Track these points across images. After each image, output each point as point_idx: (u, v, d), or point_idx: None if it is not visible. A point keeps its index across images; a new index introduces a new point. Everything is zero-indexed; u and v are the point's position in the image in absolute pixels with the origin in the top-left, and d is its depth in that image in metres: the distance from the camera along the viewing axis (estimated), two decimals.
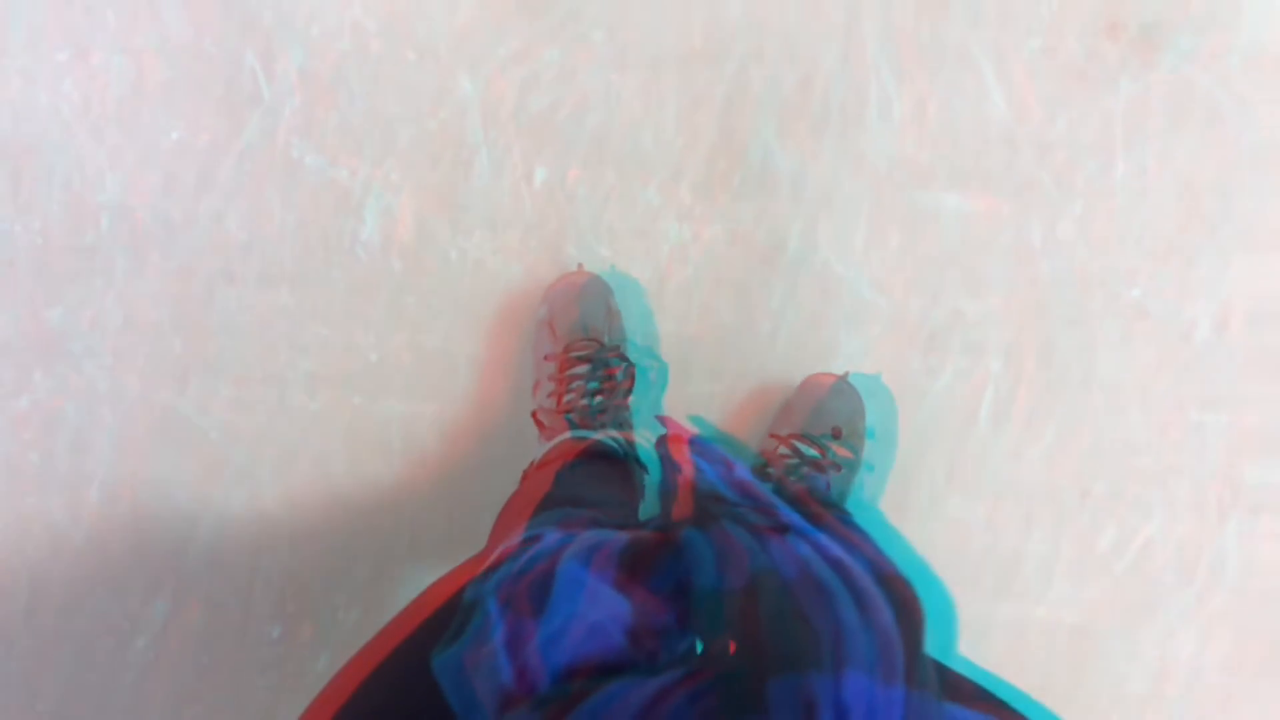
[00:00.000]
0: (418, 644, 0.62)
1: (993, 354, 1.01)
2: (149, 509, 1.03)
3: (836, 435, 0.93)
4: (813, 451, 0.91)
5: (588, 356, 0.92)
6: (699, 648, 0.65)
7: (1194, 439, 1.01)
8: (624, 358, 0.94)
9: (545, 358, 0.94)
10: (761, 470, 0.93)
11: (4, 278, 1.02)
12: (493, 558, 0.65)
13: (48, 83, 1.01)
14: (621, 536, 0.63)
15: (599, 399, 0.91)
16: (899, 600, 0.52)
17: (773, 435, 0.95)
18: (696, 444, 0.74)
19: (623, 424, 0.93)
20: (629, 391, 0.94)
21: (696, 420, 1.01)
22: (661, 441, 0.76)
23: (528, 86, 1.00)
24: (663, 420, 0.78)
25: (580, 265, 1.00)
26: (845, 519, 0.67)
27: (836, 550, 0.56)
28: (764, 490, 0.66)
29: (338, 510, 1.02)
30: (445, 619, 0.59)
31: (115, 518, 1.04)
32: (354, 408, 1.02)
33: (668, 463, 0.72)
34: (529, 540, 0.65)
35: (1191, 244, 1.01)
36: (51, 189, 1.02)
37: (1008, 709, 0.55)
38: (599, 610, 0.55)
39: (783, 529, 0.58)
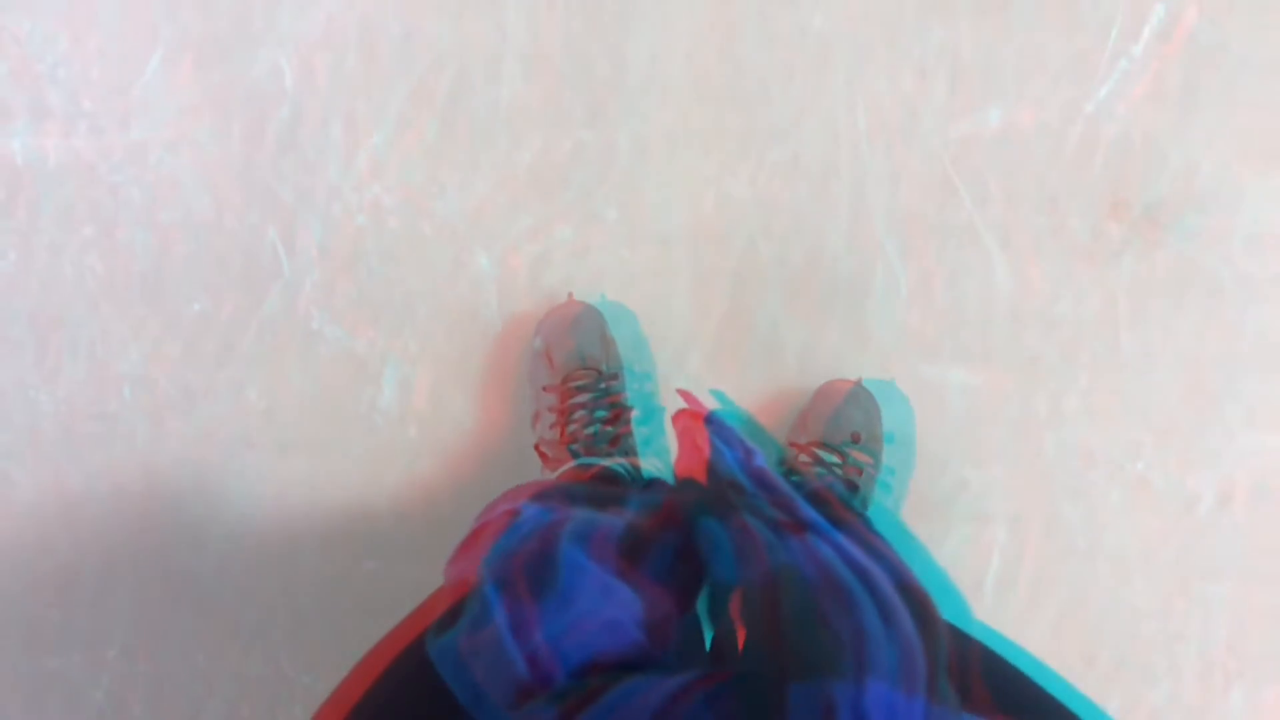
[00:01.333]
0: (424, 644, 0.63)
1: (998, 523, 1.03)
2: (166, 669, 1.05)
3: (856, 440, 0.94)
4: (834, 458, 0.92)
5: (589, 386, 0.92)
6: (707, 635, 0.63)
7: (1199, 608, 1.02)
8: (623, 384, 0.95)
9: (544, 389, 0.95)
10: (787, 476, 0.91)
11: (28, 443, 1.05)
12: (472, 530, 0.65)
13: (74, 256, 1.03)
14: (616, 521, 0.63)
15: (607, 428, 0.91)
16: (919, 612, 0.52)
17: (792, 444, 0.96)
18: (714, 422, 0.74)
19: (628, 451, 0.92)
20: (636, 420, 0.94)
21: (718, 395, 0.99)
22: (680, 417, 0.75)
23: (542, 262, 1.03)
24: (682, 394, 0.78)
25: (570, 295, 1.00)
26: (867, 523, 0.67)
27: (860, 556, 0.55)
28: (782, 483, 0.65)
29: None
30: (418, 663, 0.58)
31: (134, 677, 1.06)
32: (367, 573, 1.04)
33: (684, 438, 0.71)
34: (509, 513, 0.64)
35: (1196, 419, 1.02)
36: (76, 358, 1.04)
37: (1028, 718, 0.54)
38: (613, 606, 0.54)
39: (802, 527, 0.57)
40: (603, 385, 0.93)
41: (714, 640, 0.62)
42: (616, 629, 0.53)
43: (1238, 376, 1.02)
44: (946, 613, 0.54)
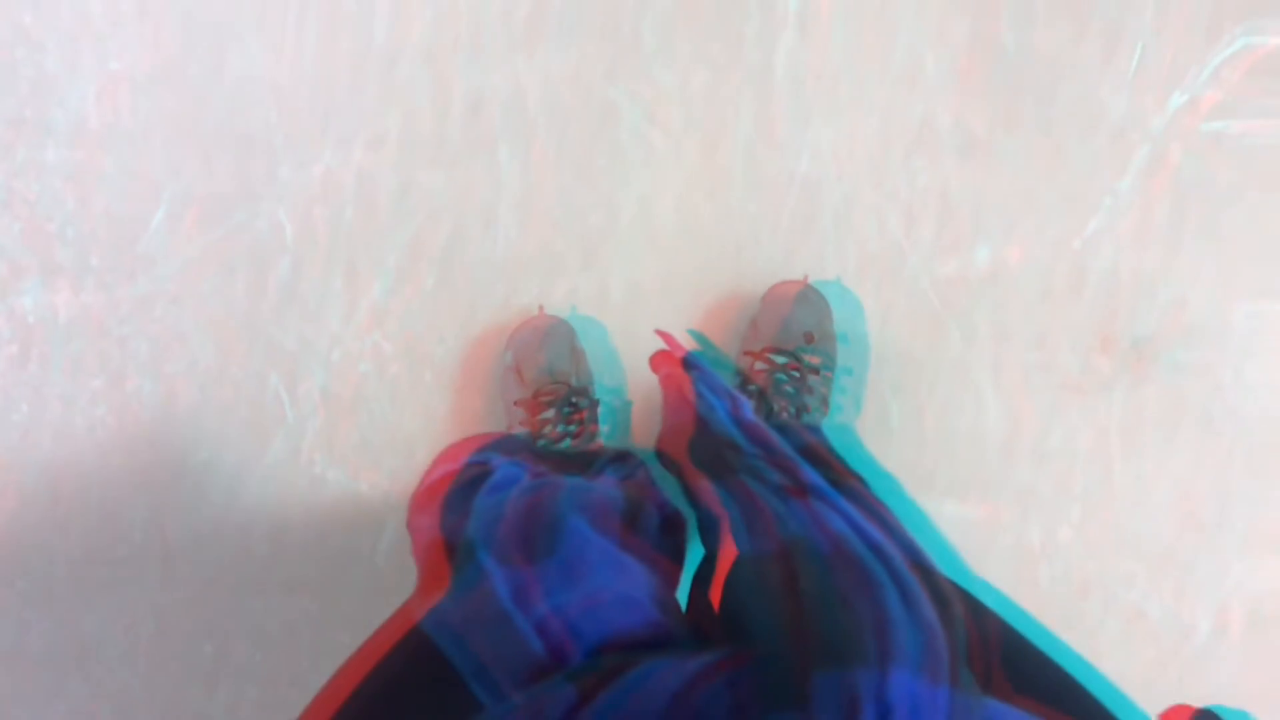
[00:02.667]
0: (382, 678, 0.60)
1: None
2: None
3: (809, 341, 0.93)
4: (788, 360, 0.92)
5: (557, 399, 0.93)
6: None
7: None
8: (591, 397, 0.96)
9: (515, 403, 0.96)
10: (743, 387, 0.92)
11: (41, 588, 1.07)
12: (431, 479, 0.64)
13: (84, 408, 1.06)
14: (613, 491, 0.62)
15: (576, 441, 0.91)
16: (939, 597, 0.51)
17: (746, 353, 0.96)
18: (695, 367, 0.73)
19: (592, 466, 0.92)
20: (605, 434, 0.95)
21: (696, 336, 1.00)
22: (660, 361, 0.74)
23: None
24: (660, 334, 0.77)
25: (541, 308, 1.02)
26: (864, 484, 0.65)
27: (872, 530, 0.55)
28: (777, 438, 0.65)
29: None
30: (408, 654, 0.57)
31: None
32: None
33: (668, 385, 0.70)
34: (474, 465, 0.63)
35: (1189, 548, 1.03)
36: (87, 506, 1.07)
37: (1050, 707, 0.54)
38: (626, 581, 0.53)
39: (803, 490, 0.57)
40: (572, 399, 0.94)
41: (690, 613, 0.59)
42: (631, 605, 0.52)
43: (1230, 506, 1.02)
44: (947, 570, 0.54)
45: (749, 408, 0.69)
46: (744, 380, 0.93)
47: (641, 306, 1.03)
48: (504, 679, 0.50)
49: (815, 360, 0.92)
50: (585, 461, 0.77)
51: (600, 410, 0.98)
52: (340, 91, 1.03)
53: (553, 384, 0.94)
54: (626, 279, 1.04)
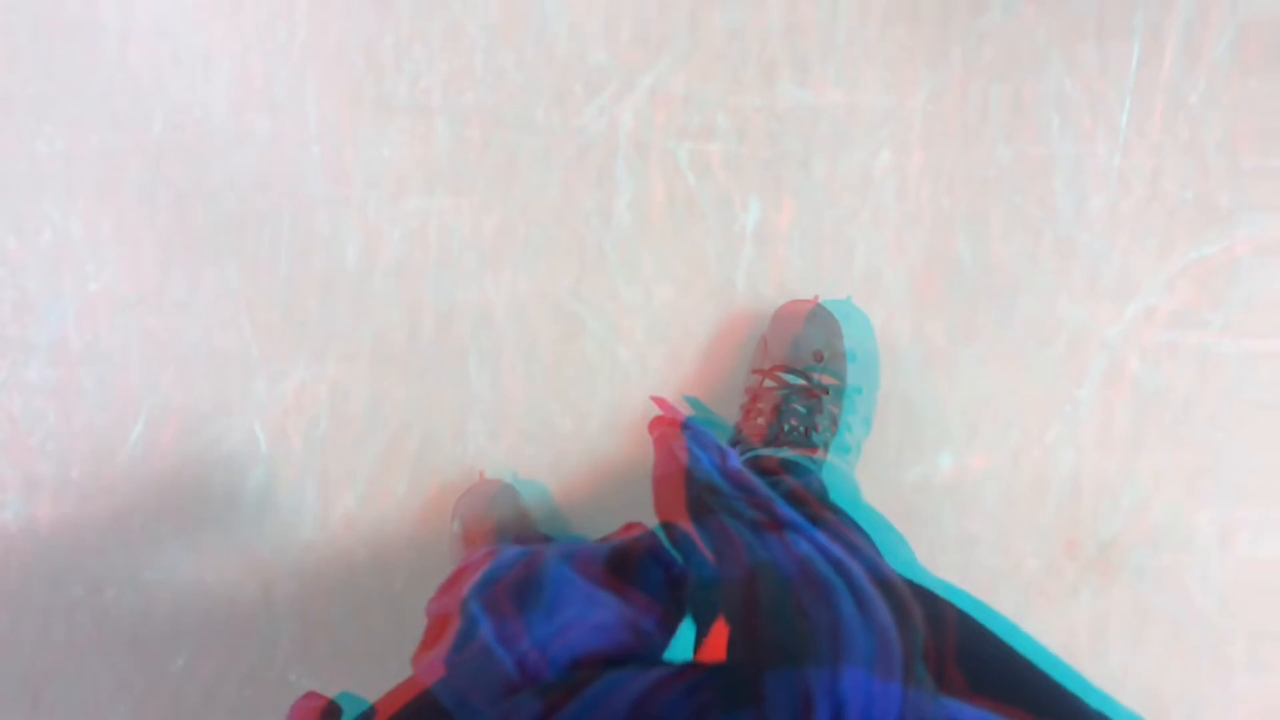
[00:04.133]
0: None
1: None
2: None
3: (819, 360, 0.93)
4: (799, 380, 0.91)
5: None
6: (692, 641, 0.62)
7: None
8: None
9: None
10: (751, 406, 0.92)
11: None
12: (454, 572, 0.65)
13: (64, 616, 1.08)
14: (600, 545, 0.64)
15: None
16: (895, 602, 0.52)
17: (755, 371, 0.95)
18: (691, 428, 0.74)
19: None
20: None
21: (691, 401, 1.01)
22: (656, 424, 0.76)
23: None
24: (657, 401, 0.78)
25: (482, 474, 1.03)
26: (843, 517, 0.67)
27: (836, 550, 0.56)
28: (759, 484, 0.65)
29: None
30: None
31: None
32: None
33: (660, 445, 0.71)
34: (489, 554, 0.65)
35: None
36: (69, 714, 1.08)
37: (1007, 704, 0.54)
38: (601, 611, 0.55)
39: (780, 525, 0.58)
40: None
41: (698, 639, 0.61)
42: (603, 630, 0.54)
43: (1199, 710, 1.02)
44: (904, 569, 0.55)
45: (735, 458, 0.71)
46: (752, 400, 0.94)
47: (610, 500, 1.05)
48: (483, 705, 0.52)
49: (826, 379, 0.92)
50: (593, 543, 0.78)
51: None
52: (313, 308, 1.06)
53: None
54: (594, 477, 1.05)
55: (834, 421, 0.93)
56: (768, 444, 0.89)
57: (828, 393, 0.92)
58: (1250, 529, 1.01)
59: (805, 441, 0.89)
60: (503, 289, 1.04)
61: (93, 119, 1.07)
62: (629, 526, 0.92)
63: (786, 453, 0.88)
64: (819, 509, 0.65)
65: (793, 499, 0.66)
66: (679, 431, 0.74)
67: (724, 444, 0.76)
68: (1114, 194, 0.99)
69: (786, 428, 0.90)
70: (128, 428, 1.07)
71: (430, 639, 0.64)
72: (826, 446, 0.91)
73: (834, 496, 0.82)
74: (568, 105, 1.03)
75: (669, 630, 0.56)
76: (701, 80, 1.02)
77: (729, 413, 1.00)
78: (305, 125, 1.05)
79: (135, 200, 1.06)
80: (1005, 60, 0.99)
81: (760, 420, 0.91)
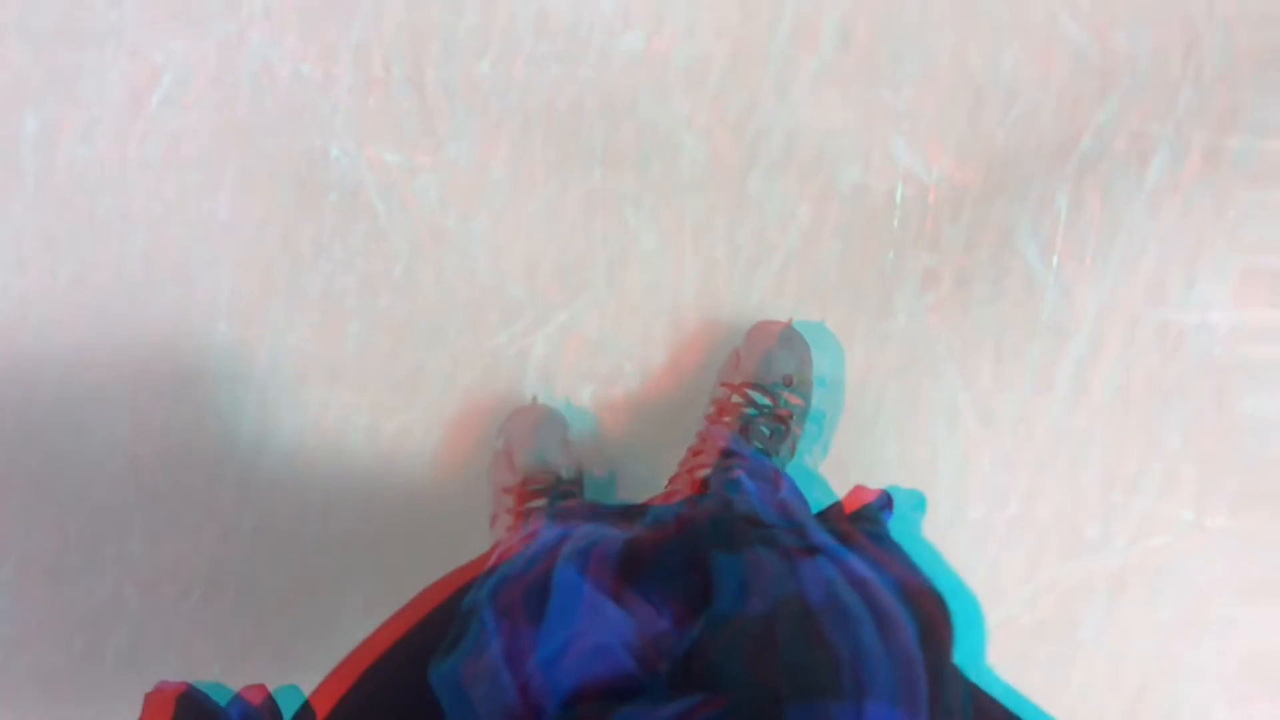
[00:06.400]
0: (412, 645, 0.62)
1: None
2: None
3: (788, 383, 0.94)
4: (766, 400, 0.92)
5: (546, 490, 0.93)
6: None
7: None
8: (583, 492, 0.96)
9: (503, 490, 0.96)
10: (716, 418, 0.94)
11: None
12: (493, 559, 0.64)
13: None
14: (618, 536, 0.62)
15: None
16: (924, 617, 0.52)
17: (725, 384, 0.96)
18: (743, 456, 0.76)
19: None
20: None
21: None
22: (710, 443, 0.77)
23: None
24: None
25: (534, 398, 1.03)
26: (876, 534, 0.66)
27: (862, 569, 0.55)
28: (803, 509, 0.66)
29: None
30: (441, 623, 0.58)
31: None
32: None
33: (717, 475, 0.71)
34: (527, 537, 0.64)
35: None
36: None
37: None
38: (602, 629, 0.54)
39: (813, 550, 0.57)
40: (560, 490, 0.93)
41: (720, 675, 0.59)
42: (605, 654, 0.53)
43: None
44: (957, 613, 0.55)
45: (790, 486, 0.71)
46: (718, 411, 0.94)
47: None
48: None
49: (794, 401, 0.94)
50: (635, 514, 0.74)
51: None
52: (200, 478, 1.05)
53: (543, 473, 0.94)
54: None
55: (794, 445, 0.94)
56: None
57: (793, 416, 0.93)
58: None
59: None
60: (396, 489, 1.05)
61: None
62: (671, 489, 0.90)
63: None
64: (849, 527, 0.65)
65: (827, 520, 0.66)
66: (728, 460, 0.74)
67: (780, 470, 0.76)
68: (991, 506, 1.02)
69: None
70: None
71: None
72: (783, 469, 0.92)
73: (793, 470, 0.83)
74: (480, 328, 1.03)
75: (689, 620, 0.54)
76: (615, 327, 1.03)
77: (692, 419, 1.00)
78: (215, 301, 1.04)
79: (33, 345, 1.05)
80: (905, 363, 1.01)
81: (789, 478, 0.90)
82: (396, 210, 1.03)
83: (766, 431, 0.91)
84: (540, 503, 0.91)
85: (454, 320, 1.03)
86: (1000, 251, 1.01)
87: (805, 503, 0.68)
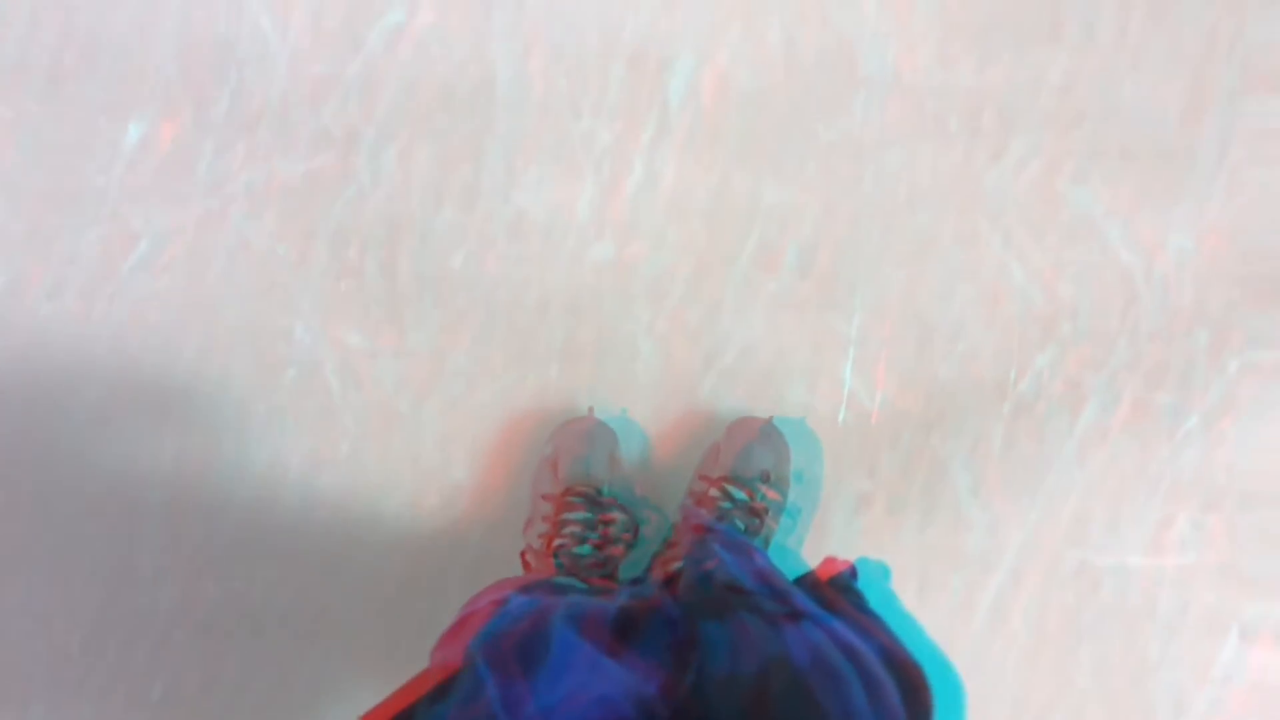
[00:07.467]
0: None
1: None
2: None
3: (766, 479, 0.94)
4: (742, 494, 0.92)
5: (586, 502, 0.92)
6: None
7: None
8: (623, 508, 0.94)
9: (543, 496, 0.95)
10: (691, 509, 0.93)
11: None
12: (458, 618, 0.65)
13: None
14: (609, 605, 0.63)
15: (597, 550, 0.90)
16: (908, 685, 0.54)
17: (702, 477, 0.96)
18: (716, 532, 0.76)
19: (611, 576, 0.91)
20: (630, 545, 0.94)
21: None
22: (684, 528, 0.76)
23: None
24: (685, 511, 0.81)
25: (591, 409, 1.02)
26: (859, 603, 0.68)
27: (849, 636, 0.56)
28: (781, 578, 0.67)
29: None
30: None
31: None
32: None
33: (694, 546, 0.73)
34: (495, 603, 0.64)
35: None
36: None
37: None
38: (605, 682, 0.54)
39: (797, 615, 0.59)
40: (600, 504, 0.93)
41: None
42: (606, 704, 0.54)
43: None
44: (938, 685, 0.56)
45: (764, 557, 0.73)
46: (695, 503, 0.94)
47: None
48: None
49: (771, 495, 0.94)
50: (605, 591, 0.77)
51: (625, 523, 0.96)
52: (112, 650, 1.05)
53: (585, 484, 0.94)
54: None
55: (768, 539, 0.94)
56: None
57: (768, 510, 0.93)
58: None
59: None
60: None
61: None
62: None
63: None
64: (833, 594, 0.67)
65: (810, 587, 0.68)
66: (704, 534, 0.76)
67: (751, 543, 0.80)
68: None
69: None
70: None
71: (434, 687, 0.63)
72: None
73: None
74: (419, 509, 1.05)
75: (672, 696, 0.56)
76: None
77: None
78: (156, 469, 1.04)
79: None
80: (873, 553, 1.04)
81: (761, 545, 0.91)
82: (351, 390, 1.04)
83: (741, 525, 0.92)
84: (579, 514, 0.92)
85: (394, 499, 1.04)
86: (934, 482, 1.04)
87: (781, 573, 0.71)
